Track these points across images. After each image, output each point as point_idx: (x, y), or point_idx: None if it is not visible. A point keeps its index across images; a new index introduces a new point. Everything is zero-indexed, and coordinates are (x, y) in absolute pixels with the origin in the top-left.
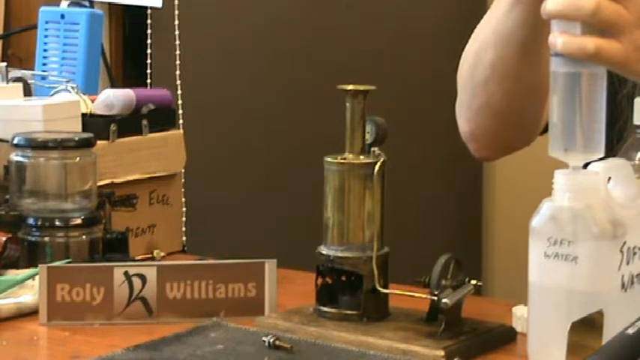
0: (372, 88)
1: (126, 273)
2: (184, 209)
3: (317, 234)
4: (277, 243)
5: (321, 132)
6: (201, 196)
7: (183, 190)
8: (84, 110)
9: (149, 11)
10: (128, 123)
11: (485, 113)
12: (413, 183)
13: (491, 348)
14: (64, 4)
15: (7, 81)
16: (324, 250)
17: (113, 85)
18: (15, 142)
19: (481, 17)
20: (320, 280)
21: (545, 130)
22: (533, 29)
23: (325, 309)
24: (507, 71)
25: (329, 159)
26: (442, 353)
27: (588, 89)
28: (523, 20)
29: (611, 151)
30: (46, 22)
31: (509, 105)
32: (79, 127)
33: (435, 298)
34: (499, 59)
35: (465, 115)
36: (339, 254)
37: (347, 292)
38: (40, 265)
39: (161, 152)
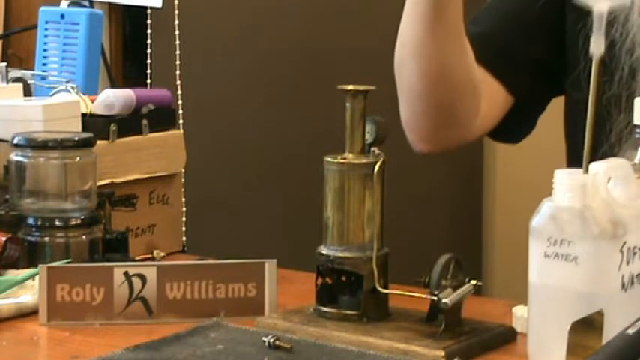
0: (372, 88)
1: (126, 273)
2: (184, 209)
3: (317, 234)
4: (277, 243)
5: (321, 132)
6: (201, 196)
7: (183, 190)
8: (84, 110)
9: (149, 11)
10: (128, 123)
11: (410, 99)
12: (413, 183)
13: (491, 348)
14: (64, 4)
15: (7, 81)
16: (324, 250)
17: (113, 85)
18: (15, 142)
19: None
20: (320, 280)
21: (497, 133)
22: (434, 4)
23: (325, 309)
24: (417, 49)
25: (329, 159)
26: (442, 353)
27: None
28: None
29: (597, 152)
30: (46, 22)
31: (428, 91)
32: (79, 127)
33: (435, 298)
34: (408, 36)
35: (400, 103)
36: (339, 254)
37: (347, 292)
38: (40, 265)
39: (161, 152)
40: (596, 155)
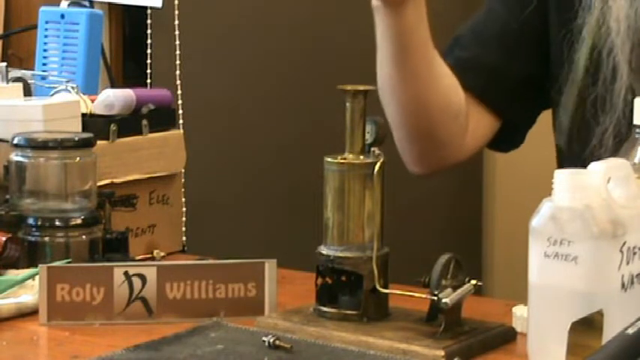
0: (372, 88)
1: (126, 273)
2: (184, 209)
3: (317, 234)
4: (277, 243)
5: (321, 132)
6: (201, 196)
7: (183, 190)
8: (84, 110)
9: (149, 11)
10: (128, 123)
11: (394, 127)
12: (413, 183)
13: (491, 348)
14: (64, 4)
15: (7, 81)
16: (324, 250)
17: (113, 85)
18: (15, 142)
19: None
20: (320, 280)
21: (498, 144)
22: (397, 42)
23: (325, 309)
24: (389, 85)
25: (329, 159)
26: (442, 353)
27: None
28: (385, 33)
29: (584, 152)
30: (46, 22)
31: (406, 121)
32: (79, 127)
33: (435, 298)
34: (380, 73)
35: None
36: (339, 254)
37: (347, 292)
38: (40, 265)
39: (161, 152)
40: (583, 155)
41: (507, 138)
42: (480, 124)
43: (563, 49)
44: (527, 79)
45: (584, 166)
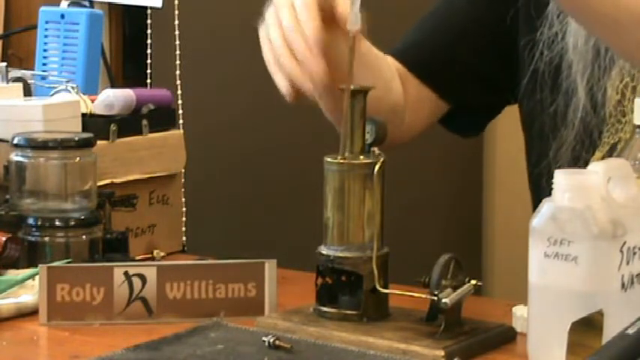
0: (372, 88)
1: (126, 273)
2: (184, 209)
3: (317, 234)
4: (277, 243)
5: (321, 132)
6: (201, 196)
7: (183, 190)
8: (84, 110)
9: (149, 11)
10: (128, 123)
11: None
12: (413, 183)
13: (491, 348)
14: (64, 4)
15: (7, 81)
16: (324, 250)
17: (113, 85)
18: (15, 142)
19: None
20: (320, 280)
21: (453, 127)
22: None
23: (325, 309)
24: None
25: (329, 159)
26: (442, 353)
27: None
28: None
29: (540, 164)
30: (46, 22)
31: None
32: (79, 127)
33: (435, 298)
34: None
35: None
36: (339, 254)
37: (347, 292)
38: (40, 265)
39: (161, 152)
40: (539, 167)
41: (461, 121)
42: (422, 104)
43: (525, 58)
44: (475, 66)
45: (539, 179)
